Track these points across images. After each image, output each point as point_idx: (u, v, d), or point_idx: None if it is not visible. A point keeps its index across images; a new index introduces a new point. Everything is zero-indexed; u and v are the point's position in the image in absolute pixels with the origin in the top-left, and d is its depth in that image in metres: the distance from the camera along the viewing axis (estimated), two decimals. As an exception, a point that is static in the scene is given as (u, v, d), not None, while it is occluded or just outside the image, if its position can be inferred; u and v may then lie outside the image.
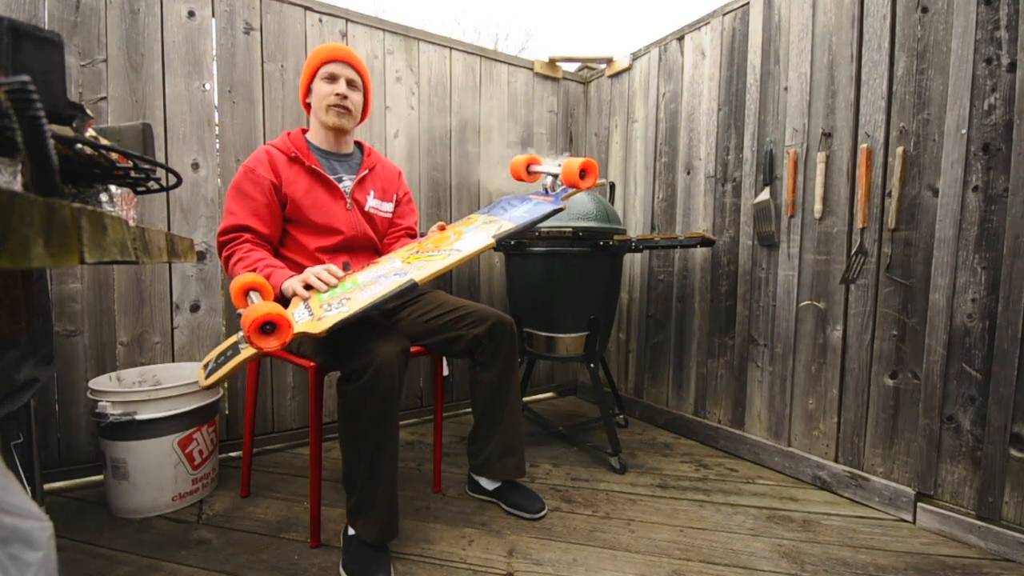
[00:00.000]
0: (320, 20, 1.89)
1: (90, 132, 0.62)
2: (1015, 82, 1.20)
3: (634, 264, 2.30)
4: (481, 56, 2.31)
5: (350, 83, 1.43)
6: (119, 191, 0.69)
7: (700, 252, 2.01)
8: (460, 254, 1.18)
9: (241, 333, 0.97)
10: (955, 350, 1.32)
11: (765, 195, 1.73)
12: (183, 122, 1.66)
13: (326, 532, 1.31)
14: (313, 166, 1.40)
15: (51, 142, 0.39)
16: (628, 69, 2.34)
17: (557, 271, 1.80)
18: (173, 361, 1.68)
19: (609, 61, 2.45)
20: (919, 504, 1.38)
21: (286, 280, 1.23)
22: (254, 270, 1.24)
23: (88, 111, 0.61)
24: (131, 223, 0.46)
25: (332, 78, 1.41)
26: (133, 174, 0.65)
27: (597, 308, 1.83)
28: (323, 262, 1.33)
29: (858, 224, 1.50)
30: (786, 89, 1.69)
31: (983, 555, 1.24)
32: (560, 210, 1.32)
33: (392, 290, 1.07)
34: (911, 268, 1.40)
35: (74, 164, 0.56)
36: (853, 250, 1.51)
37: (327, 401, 1.84)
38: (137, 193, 0.74)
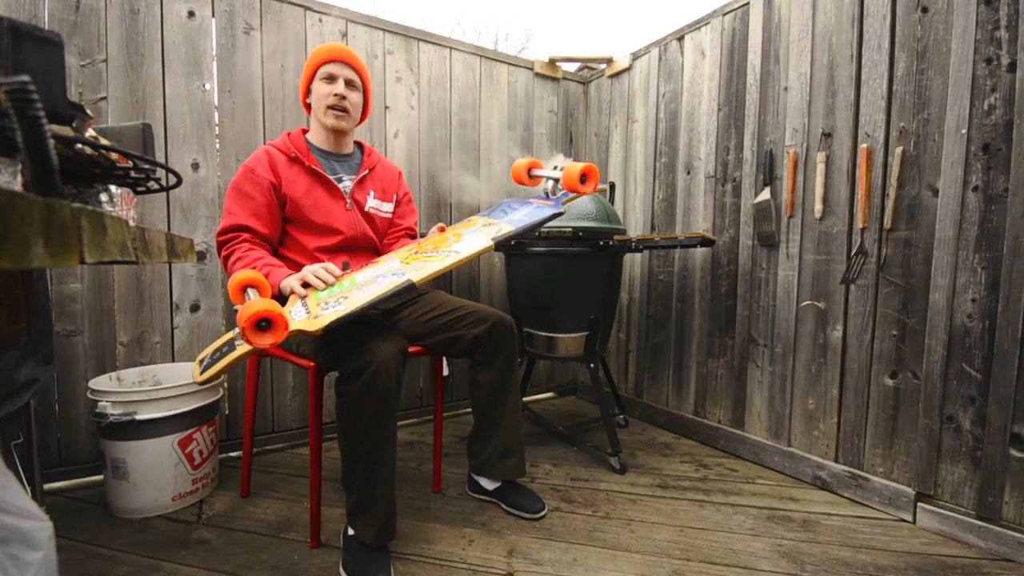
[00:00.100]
0: (320, 20, 1.89)
1: (90, 132, 0.62)
2: (1015, 82, 1.20)
3: (634, 264, 2.30)
4: (481, 56, 2.31)
5: (349, 83, 1.43)
6: (119, 191, 0.69)
7: (700, 252, 2.01)
8: (459, 256, 1.18)
9: (237, 329, 0.97)
10: (955, 350, 1.32)
11: (765, 195, 1.73)
12: (183, 122, 1.66)
13: (326, 532, 1.31)
14: (313, 166, 1.40)
15: (51, 142, 0.39)
16: (628, 69, 2.34)
17: (557, 271, 1.80)
18: (173, 361, 1.68)
19: (609, 61, 2.45)
20: (919, 504, 1.38)
21: (284, 278, 1.23)
22: (253, 269, 1.24)
23: (88, 111, 0.61)
24: (131, 223, 0.46)
25: (331, 78, 1.41)
26: (133, 174, 0.65)
27: (597, 308, 1.83)
28: (323, 262, 1.33)
29: (858, 224, 1.50)
30: (786, 89, 1.69)
31: (983, 555, 1.24)
32: (560, 214, 1.32)
33: (389, 290, 1.07)
34: (911, 268, 1.40)
35: (74, 164, 0.56)
36: (853, 250, 1.51)
37: (327, 401, 1.84)
38: (137, 193, 0.74)
